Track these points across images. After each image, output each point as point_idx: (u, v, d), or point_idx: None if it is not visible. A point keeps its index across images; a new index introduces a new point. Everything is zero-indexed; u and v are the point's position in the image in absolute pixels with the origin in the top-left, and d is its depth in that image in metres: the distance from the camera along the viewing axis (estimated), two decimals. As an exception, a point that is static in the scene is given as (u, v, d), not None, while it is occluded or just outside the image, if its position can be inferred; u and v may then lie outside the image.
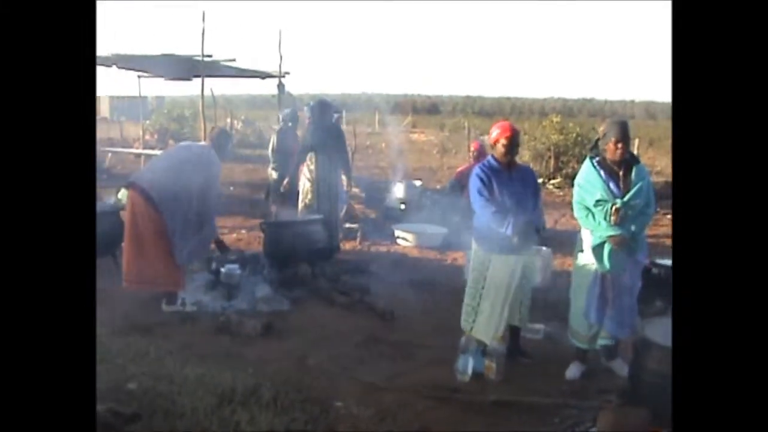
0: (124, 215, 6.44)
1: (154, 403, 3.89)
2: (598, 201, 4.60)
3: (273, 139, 10.03)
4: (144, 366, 4.52)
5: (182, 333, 5.54)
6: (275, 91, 14.07)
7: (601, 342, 4.88)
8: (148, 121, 22.83)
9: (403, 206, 10.75)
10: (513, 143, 4.92)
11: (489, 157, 5.06)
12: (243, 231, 9.72)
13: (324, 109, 8.28)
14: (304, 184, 8.20)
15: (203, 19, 11.47)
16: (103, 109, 39.71)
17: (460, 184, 9.33)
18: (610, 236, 4.57)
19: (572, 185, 5.06)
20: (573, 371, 4.89)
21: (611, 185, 4.60)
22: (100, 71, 14.94)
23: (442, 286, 7.13)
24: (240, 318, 5.69)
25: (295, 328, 5.76)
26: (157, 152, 13.52)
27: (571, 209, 5.05)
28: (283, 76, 13.89)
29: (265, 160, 11.73)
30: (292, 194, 8.56)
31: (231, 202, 11.60)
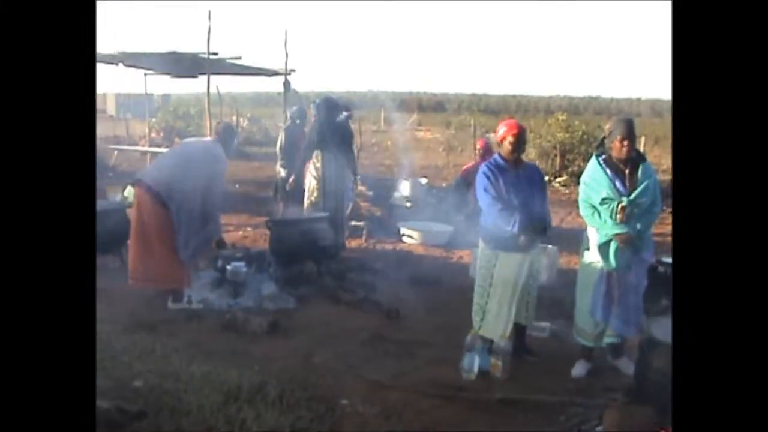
0: (131, 212, 6.46)
1: (160, 401, 3.90)
2: (604, 199, 4.60)
3: (281, 137, 10.03)
4: (150, 363, 4.53)
5: (188, 330, 5.55)
6: (281, 89, 14.06)
7: (606, 340, 4.88)
8: (154, 119, 22.85)
9: (408, 204, 10.75)
10: (520, 141, 4.92)
11: (496, 155, 5.06)
12: (249, 228, 9.73)
13: (330, 106, 8.27)
14: (310, 182, 8.20)
15: (209, 17, 11.48)
16: (109, 106, 39.77)
17: (465, 181, 9.32)
18: (616, 234, 4.56)
19: (578, 183, 5.05)
20: (579, 369, 4.88)
21: (617, 183, 4.59)
22: (107, 69, 15.01)
23: (448, 284, 7.13)
24: (246, 316, 5.70)
25: (300, 326, 5.76)
26: (163, 150, 13.52)
27: (577, 207, 5.05)
28: (289, 74, 13.88)
29: (270, 158, 11.75)
30: (297, 192, 8.57)
31: (237, 200, 11.61)
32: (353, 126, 9.87)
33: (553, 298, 6.14)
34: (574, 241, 5.44)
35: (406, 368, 4.94)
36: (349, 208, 9.33)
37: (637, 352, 4.35)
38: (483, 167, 5.00)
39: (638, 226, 4.60)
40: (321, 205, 7.98)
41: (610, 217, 4.58)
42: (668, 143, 23.17)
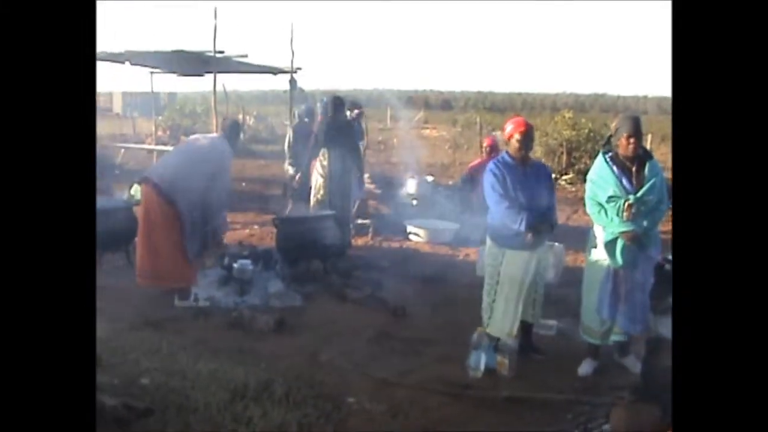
0: (138, 211, 6.48)
1: (167, 398, 3.91)
2: (610, 197, 4.58)
3: (289, 135, 10.03)
4: (157, 361, 4.55)
5: (195, 328, 5.56)
6: (287, 87, 14.05)
7: (613, 338, 4.87)
8: (160, 117, 22.88)
9: (415, 202, 10.75)
10: (527, 138, 4.91)
11: (503, 153, 5.06)
12: (255, 227, 9.74)
13: (337, 105, 8.28)
14: (317, 180, 8.20)
15: (215, 16, 11.48)
16: (115, 105, 39.89)
17: (472, 179, 9.32)
18: (623, 232, 4.55)
19: (584, 181, 5.04)
20: (585, 368, 4.88)
21: (624, 181, 4.58)
22: (113, 67, 15.01)
23: (454, 281, 7.12)
24: (252, 313, 5.71)
25: (307, 324, 5.77)
26: (170, 148, 13.56)
27: (584, 205, 5.04)
28: (295, 72, 13.86)
29: (276, 156, 11.76)
30: (304, 190, 8.58)
31: (243, 198, 11.64)
32: (363, 124, 9.88)
33: (560, 296, 6.14)
34: (581, 239, 5.43)
35: (412, 366, 4.94)
36: (356, 206, 9.33)
37: (644, 350, 4.34)
38: (491, 165, 5.00)
39: (645, 223, 4.58)
40: (327, 203, 7.99)
41: (617, 214, 4.57)
42: (675, 141, 23.09)
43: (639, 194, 4.53)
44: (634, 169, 4.61)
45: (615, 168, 4.62)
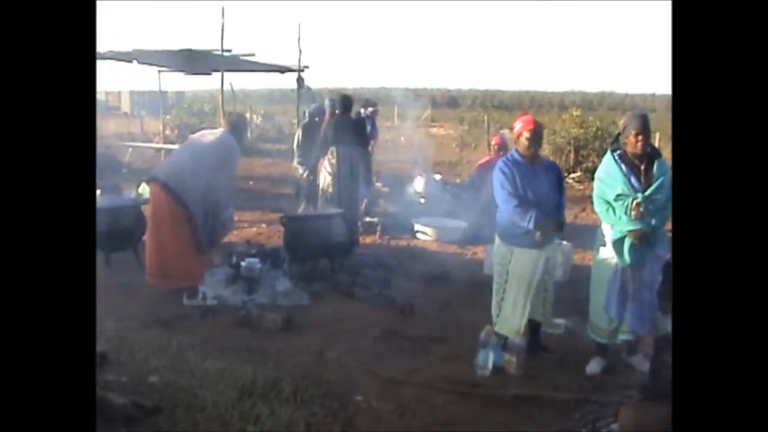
0: (146, 210, 6.50)
1: (175, 397, 3.93)
2: (618, 195, 4.57)
3: (298, 134, 10.03)
4: (165, 359, 4.56)
5: (203, 327, 5.57)
6: (294, 86, 14.10)
7: (621, 337, 4.86)
8: (168, 116, 22.92)
9: (422, 200, 10.75)
10: (536, 136, 4.91)
11: (513, 151, 5.05)
12: (263, 225, 9.75)
13: (345, 103, 8.30)
14: (325, 178, 8.21)
15: (223, 15, 11.52)
16: (123, 104, 39.99)
17: (480, 177, 9.30)
18: (631, 231, 4.54)
19: (592, 179, 5.03)
20: (594, 366, 4.87)
21: (632, 179, 4.56)
22: (121, 66, 15.07)
23: (462, 280, 7.11)
24: (260, 312, 5.72)
25: (314, 323, 5.78)
26: (177, 147, 13.60)
27: (591, 203, 5.03)
28: (302, 71, 13.92)
29: (283, 155, 11.78)
30: (313, 189, 8.59)
31: (251, 197, 11.65)
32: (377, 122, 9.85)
33: (568, 295, 6.12)
34: (588, 237, 5.42)
35: (420, 364, 4.94)
36: (364, 205, 9.33)
37: (652, 349, 4.33)
38: (500, 163, 4.99)
39: (653, 222, 4.57)
40: (335, 201, 8.00)
41: (625, 213, 4.55)
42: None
43: (647, 193, 4.52)
44: (642, 167, 4.59)
45: (623, 166, 4.60)
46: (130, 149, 17.12)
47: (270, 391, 4.11)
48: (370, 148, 9.52)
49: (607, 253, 4.72)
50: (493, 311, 5.04)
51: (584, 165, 15.92)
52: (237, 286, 6.47)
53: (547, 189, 4.90)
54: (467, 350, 4.94)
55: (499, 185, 4.87)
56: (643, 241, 4.55)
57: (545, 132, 5.89)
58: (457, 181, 12.97)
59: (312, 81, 21.20)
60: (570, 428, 3.93)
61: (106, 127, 22.32)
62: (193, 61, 14.15)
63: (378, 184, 10.93)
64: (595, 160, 14.43)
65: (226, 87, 13.99)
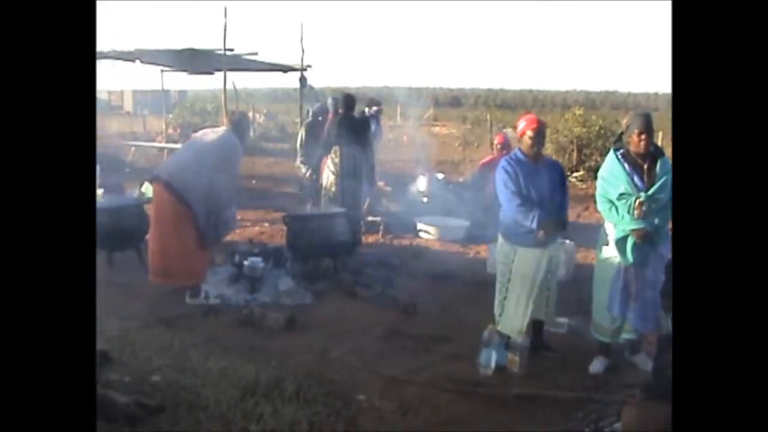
0: (149, 209, 6.50)
1: (178, 396, 3.93)
2: (621, 194, 4.56)
3: (301, 133, 10.03)
4: (168, 358, 4.56)
5: (206, 326, 5.58)
6: (297, 85, 14.09)
7: (624, 336, 4.86)
8: (170, 115, 22.94)
9: (425, 199, 10.74)
10: (540, 135, 4.91)
11: (516, 150, 5.05)
12: (266, 224, 9.75)
13: (348, 102, 8.30)
14: (328, 177, 8.22)
15: (225, 14, 11.52)
16: (126, 103, 40.05)
17: (483, 176, 9.29)
18: (634, 230, 4.53)
19: (595, 178, 5.03)
20: (597, 365, 4.86)
21: (635, 178, 4.56)
22: (124, 65, 15.07)
23: (465, 279, 7.11)
24: (263, 311, 5.72)
25: (317, 322, 5.77)
26: (180, 146, 13.62)
27: (594, 202, 5.02)
28: (305, 70, 13.91)
29: (286, 154, 11.78)
30: (316, 188, 8.60)
31: (253, 196, 11.66)
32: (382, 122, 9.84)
33: (571, 294, 6.12)
34: (591, 236, 5.41)
35: (422, 363, 4.94)
36: (366, 204, 9.33)
37: (655, 348, 4.32)
38: (503, 162, 4.98)
39: (656, 221, 4.56)
40: (338, 200, 8.00)
41: (628, 212, 4.55)
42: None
43: (650, 192, 4.51)
44: (645, 166, 4.59)
45: (626, 165, 4.60)
46: (133, 148, 17.14)
47: (273, 390, 4.11)
48: (373, 147, 9.52)
49: (610, 252, 4.72)
50: (496, 310, 5.04)
51: (587, 164, 15.90)
52: (240, 285, 6.48)
53: (550, 188, 4.89)
54: (470, 349, 4.94)
55: (502, 184, 4.87)
56: (646, 240, 4.54)
57: (548, 131, 5.89)
58: (460, 180, 12.93)
59: (315, 80, 21.22)
60: (573, 427, 3.93)
61: (108, 126, 22.39)
62: (196, 61, 14.15)
63: (381, 183, 10.92)
64: (598, 159, 14.42)
65: (229, 86, 14.02)
